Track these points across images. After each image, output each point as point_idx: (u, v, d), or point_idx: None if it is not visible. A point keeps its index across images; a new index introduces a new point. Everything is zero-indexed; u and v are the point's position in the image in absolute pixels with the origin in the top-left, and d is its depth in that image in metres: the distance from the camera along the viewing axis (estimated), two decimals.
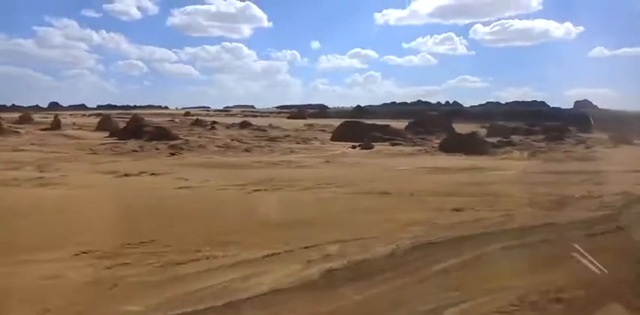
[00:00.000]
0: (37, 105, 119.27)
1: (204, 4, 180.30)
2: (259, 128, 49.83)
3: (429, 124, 48.01)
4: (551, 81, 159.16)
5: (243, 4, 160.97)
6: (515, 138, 44.25)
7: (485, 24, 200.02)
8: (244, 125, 51.84)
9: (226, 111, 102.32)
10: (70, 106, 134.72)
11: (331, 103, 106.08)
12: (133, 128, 33.81)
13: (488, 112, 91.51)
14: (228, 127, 50.95)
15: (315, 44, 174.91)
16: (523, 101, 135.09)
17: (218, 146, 29.70)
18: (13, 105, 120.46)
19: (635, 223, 11.04)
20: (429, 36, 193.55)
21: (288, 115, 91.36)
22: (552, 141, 40.71)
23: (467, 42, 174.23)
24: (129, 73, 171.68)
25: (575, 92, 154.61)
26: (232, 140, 35.22)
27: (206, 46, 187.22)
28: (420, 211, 11.50)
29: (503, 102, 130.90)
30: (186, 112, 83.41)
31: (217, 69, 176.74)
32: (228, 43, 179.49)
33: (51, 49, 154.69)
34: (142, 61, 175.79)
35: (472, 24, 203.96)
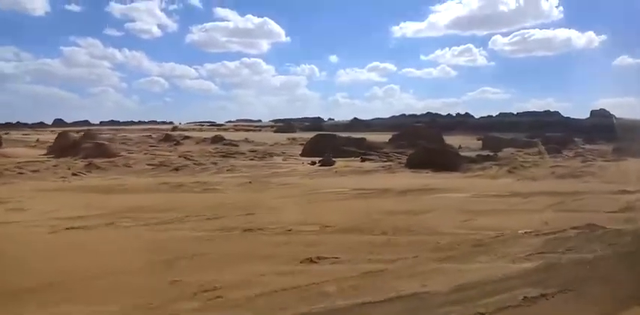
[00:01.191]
0: (41, 122, 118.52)
1: (222, 20, 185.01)
2: (230, 143, 46.56)
3: (413, 136, 44.06)
4: (574, 91, 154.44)
5: (260, 19, 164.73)
6: (507, 151, 40.16)
7: (504, 34, 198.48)
8: (216, 140, 48.66)
9: (219, 126, 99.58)
10: (77, 121, 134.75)
11: (349, 117, 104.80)
12: (68, 145, 30.78)
13: (494, 123, 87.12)
14: (198, 142, 47.79)
15: (333, 58, 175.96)
16: (535, 111, 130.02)
17: (150, 164, 26.35)
18: (18, 122, 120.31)
19: (577, 285, 7.15)
20: (447, 48, 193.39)
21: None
22: (548, 153, 36.45)
23: (486, 53, 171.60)
24: (150, 89, 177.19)
25: (600, 102, 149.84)
26: (179, 157, 31.90)
27: (225, 62, 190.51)
28: (249, 263, 7.84)
29: (516, 112, 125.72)
30: (174, 127, 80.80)
31: (236, 84, 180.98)
32: (247, 59, 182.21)
33: (76, 67, 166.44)
34: (162, 78, 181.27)
35: (491, 35, 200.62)
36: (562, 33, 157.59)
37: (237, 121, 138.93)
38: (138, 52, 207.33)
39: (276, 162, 30.91)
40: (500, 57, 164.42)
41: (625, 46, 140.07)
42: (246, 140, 50.43)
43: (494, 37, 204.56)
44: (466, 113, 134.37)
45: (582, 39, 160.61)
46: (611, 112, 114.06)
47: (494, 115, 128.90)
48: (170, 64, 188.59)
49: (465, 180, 21.87)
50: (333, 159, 34.94)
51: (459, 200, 16.04)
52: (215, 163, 28.88)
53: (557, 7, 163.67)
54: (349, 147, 37.69)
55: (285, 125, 79.25)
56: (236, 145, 45.97)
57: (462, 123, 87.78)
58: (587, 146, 47.18)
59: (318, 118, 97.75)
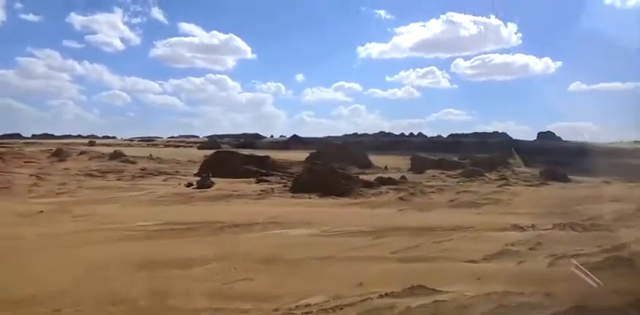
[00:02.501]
0: None
1: (187, 35, 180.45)
2: (127, 160, 41.51)
3: (331, 155, 40.39)
4: (532, 114, 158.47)
5: (226, 36, 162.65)
6: (429, 173, 37.06)
7: (466, 58, 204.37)
8: (114, 156, 43.50)
9: (150, 141, 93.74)
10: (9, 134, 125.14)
11: (316, 135, 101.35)
12: None
13: (439, 144, 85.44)
14: (92, 158, 42.48)
15: (300, 76, 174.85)
16: (484, 133, 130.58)
17: None
18: None
19: None
20: (411, 69, 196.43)
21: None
22: (467, 177, 33.39)
23: (449, 75, 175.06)
24: (113, 103, 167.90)
25: (557, 126, 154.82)
26: (31, 175, 26.79)
27: (190, 78, 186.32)
28: None
29: (462, 133, 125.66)
30: (90, 141, 74.59)
31: (202, 100, 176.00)
32: (212, 75, 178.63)
33: (33, 79, 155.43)
34: (125, 92, 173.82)
35: (453, 58, 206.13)
36: (520, 58, 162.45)
37: (180, 137, 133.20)
38: (99, 65, 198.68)
39: (147, 183, 26.25)
40: (462, 80, 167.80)
41: (579, 73, 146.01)
42: (150, 157, 45.41)
43: (456, 61, 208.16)
44: (419, 133, 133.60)
45: (539, 65, 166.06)
46: (559, 135, 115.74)
47: (444, 135, 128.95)
48: (132, 79, 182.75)
49: (337, 209, 17.99)
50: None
51: (291, 240, 12.06)
52: (64, 184, 24.03)
53: (516, 33, 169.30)
54: (250, 166, 33.50)
55: (210, 141, 74.25)
56: (134, 163, 41.03)
57: (407, 142, 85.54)
58: (521, 169, 44.76)
59: (257, 134, 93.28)
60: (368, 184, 23.37)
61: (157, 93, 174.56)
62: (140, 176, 29.97)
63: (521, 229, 14.10)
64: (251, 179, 30.22)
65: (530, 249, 11.41)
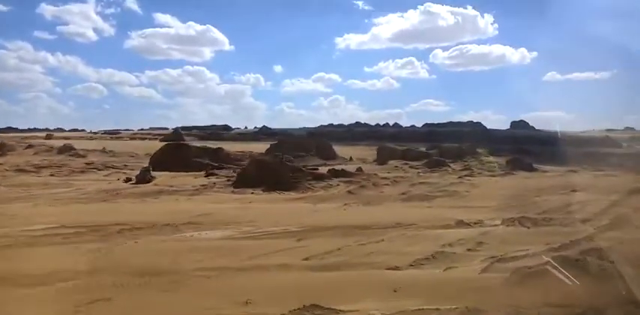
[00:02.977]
0: None
1: (163, 26, 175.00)
2: (76, 153, 39.25)
3: (292, 147, 38.83)
4: (509, 104, 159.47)
5: (203, 27, 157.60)
6: (392, 163, 35.83)
7: (444, 49, 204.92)
8: (63, 150, 41.10)
9: (113, 133, 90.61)
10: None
11: (295, 126, 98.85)
12: None
13: (409, 134, 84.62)
14: (38, 152, 40.07)
15: (278, 68, 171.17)
16: (459, 122, 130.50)
17: None
18: None
19: None
20: (390, 60, 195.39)
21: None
22: (430, 167, 32.23)
23: (427, 66, 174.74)
24: (88, 96, 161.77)
25: (533, 115, 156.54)
26: None
27: (167, 70, 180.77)
28: None
29: (437, 122, 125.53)
30: (48, 134, 71.29)
31: (180, 92, 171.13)
32: (190, 67, 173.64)
33: (5, 72, 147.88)
34: (101, 84, 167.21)
35: (432, 48, 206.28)
36: (497, 49, 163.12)
37: (150, 129, 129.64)
38: (73, 57, 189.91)
39: (82, 179, 24.31)
40: (440, 70, 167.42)
41: (554, 63, 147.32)
42: (103, 150, 43.14)
43: (434, 51, 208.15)
44: (395, 123, 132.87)
45: (516, 55, 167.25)
46: (532, 124, 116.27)
47: (419, 125, 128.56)
48: (108, 71, 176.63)
49: (276, 206, 16.47)
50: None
51: (198, 244, 10.55)
52: None
53: (492, 24, 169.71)
54: (202, 159, 31.72)
55: (172, 134, 71.85)
56: (83, 156, 38.83)
57: (380, 133, 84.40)
58: (490, 158, 43.90)
59: (225, 126, 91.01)
60: (319, 177, 21.88)
61: (134, 85, 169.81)
62: (80, 171, 27.96)
63: (467, 225, 12.82)
64: (201, 173, 28.49)
65: (469, 250, 10.09)
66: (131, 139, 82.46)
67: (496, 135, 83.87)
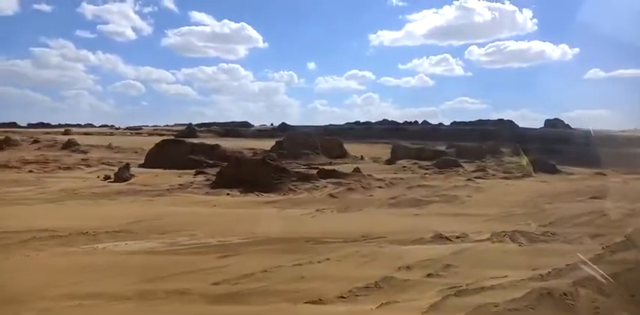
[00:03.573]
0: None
1: (198, 24, 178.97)
2: (77, 149, 38.58)
3: (299, 144, 37.01)
4: (548, 102, 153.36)
5: (238, 25, 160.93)
6: (401, 162, 33.60)
7: (480, 45, 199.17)
8: (67, 146, 40.57)
9: (135, 129, 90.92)
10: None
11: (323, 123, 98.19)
12: None
13: (430, 132, 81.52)
14: (41, 147, 39.64)
15: (312, 65, 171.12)
16: (488, 120, 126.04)
17: None
18: None
19: None
20: (425, 57, 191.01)
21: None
22: (440, 168, 29.85)
23: (463, 63, 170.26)
24: (127, 93, 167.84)
25: (574, 114, 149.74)
26: None
27: (202, 67, 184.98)
28: None
29: (468, 121, 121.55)
30: (66, 130, 71.69)
31: (215, 89, 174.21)
32: (224, 64, 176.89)
33: (48, 69, 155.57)
34: (139, 82, 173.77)
35: (467, 45, 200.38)
36: (536, 45, 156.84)
37: (175, 125, 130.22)
38: (112, 55, 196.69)
39: (62, 176, 23.21)
40: (476, 67, 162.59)
41: (597, 60, 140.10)
42: (109, 146, 42.44)
43: (470, 48, 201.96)
44: (424, 121, 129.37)
45: (556, 52, 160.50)
46: (568, 123, 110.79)
47: (446, 123, 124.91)
48: (146, 68, 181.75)
49: (240, 211, 14.68)
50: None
51: (95, 261, 8.81)
52: None
53: (531, 19, 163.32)
54: (197, 156, 30.28)
55: (186, 130, 71.09)
56: (84, 152, 38.09)
57: (403, 131, 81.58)
58: (510, 158, 40.98)
59: (245, 122, 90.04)
60: (304, 178, 19.97)
61: (170, 82, 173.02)
62: (67, 168, 26.89)
63: (446, 239, 10.70)
64: (192, 171, 27.03)
65: (428, 275, 8.05)
66: (150, 135, 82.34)
67: (526, 134, 79.88)
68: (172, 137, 39.60)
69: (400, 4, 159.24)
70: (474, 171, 28.67)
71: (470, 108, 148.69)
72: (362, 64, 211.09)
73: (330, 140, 41.05)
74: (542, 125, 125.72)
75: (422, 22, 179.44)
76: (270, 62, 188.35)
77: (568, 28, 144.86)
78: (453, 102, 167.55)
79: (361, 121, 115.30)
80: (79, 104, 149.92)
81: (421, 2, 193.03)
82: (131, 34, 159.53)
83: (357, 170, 23.42)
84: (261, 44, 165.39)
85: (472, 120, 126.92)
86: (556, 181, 25.97)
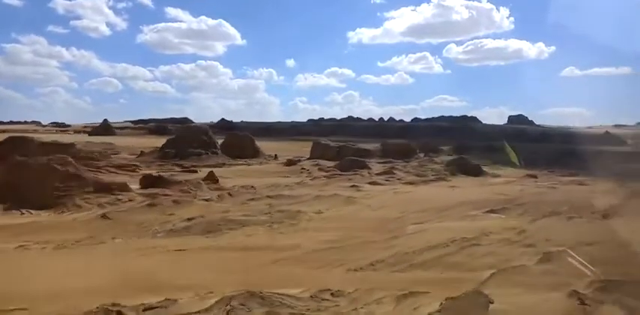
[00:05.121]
0: None
1: (175, 21, 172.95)
2: None
3: (195, 142, 31.76)
4: (525, 100, 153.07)
5: (215, 21, 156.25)
6: (307, 163, 28.76)
7: (458, 43, 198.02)
8: None
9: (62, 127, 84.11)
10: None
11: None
12: None
13: (382, 129, 77.22)
14: None
15: (291, 62, 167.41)
16: (451, 116, 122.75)
17: None
18: None
19: None
20: (404, 55, 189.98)
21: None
22: (344, 170, 25.05)
23: (442, 61, 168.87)
24: (104, 90, 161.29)
25: (551, 111, 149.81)
26: None
27: (180, 64, 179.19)
28: None
29: (425, 118, 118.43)
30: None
31: (193, 87, 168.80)
32: (203, 61, 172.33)
33: (20, 65, 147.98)
34: (116, 79, 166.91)
35: (446, 43, 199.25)
36: (513, 43, 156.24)
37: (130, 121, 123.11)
38: (87, 52, 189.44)
39: None
40: (454, 65, 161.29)
41: (573, 58, 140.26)
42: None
43: (448, 46, 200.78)
44: (390, 118, 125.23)
45: (533, 50, 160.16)
46: (532, 119, 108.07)
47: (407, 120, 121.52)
48: (122, 65, 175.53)
49: None
50: None
51: None
52: None
53: (508, 17, 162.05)
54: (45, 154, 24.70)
55: (100, 127, 65.13)
56: None
57: (347, 127, 77.00)
58: (444, 158, 36.51)
59: (185, 118, 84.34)
60: (105, 189, 14.78)
61: (148, 79, 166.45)
62: None
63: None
64: None
65: None
66: (76, 132, 75.80)
67: (482, 131, 76.26)
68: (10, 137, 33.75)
69: (378, 1, 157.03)
70: (379, 174, 23.90)
71: (449, 105, 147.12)
72: (341, 62, 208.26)
73: (238, 137, 35.87)
74: (506, 121, 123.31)
75: (400, 20, 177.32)
76: (248, 59, 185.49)
77: (544, 27, 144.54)
78: (432, 100, 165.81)
79: (325, 117, 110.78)
80: (55, 102, 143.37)
81: (399, 0, 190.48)
82: (105, 30, 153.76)
83: (210, 176, 18.33)
84: (239, 41, 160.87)
85: (434, 116, 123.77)
86: (470, 186, 21.39)
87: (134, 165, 26.00)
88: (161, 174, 18.60)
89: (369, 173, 24.12)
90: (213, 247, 9.93)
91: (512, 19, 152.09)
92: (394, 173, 24.05)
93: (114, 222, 11.88)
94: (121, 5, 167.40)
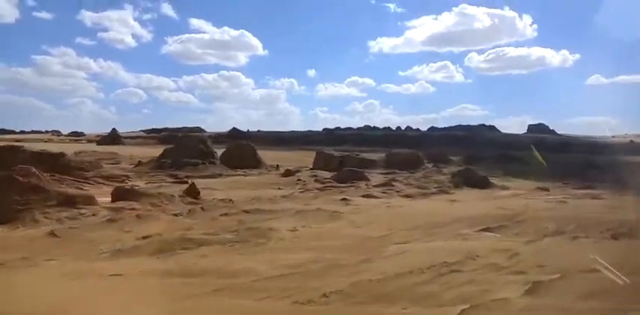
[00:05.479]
0: None
1: (198, 32, 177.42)
2: None
3: (188, 153, 30.94)
4: (549, 109, 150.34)
5: (237, 32, 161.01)
6: (306, 174, 27.68)
7: (479, 52, 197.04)
8: None
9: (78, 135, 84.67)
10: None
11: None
12: None
13: (395, 138, 75.68)
14: None
15: (312, 72, 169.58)
16: (468, 125, 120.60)
17: None
18: None
19: None
20: (424, 64, 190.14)
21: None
22: (342, 181, 23.86)
23: (463, 70, 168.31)
24: (129, 101, 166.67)
25: (578, 120, 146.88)
26: None
27: (203, 74, 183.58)
28: None
29: (445, 126, 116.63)
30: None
31: (216, 97, 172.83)
32: (225, 72, 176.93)
33: (50, 77, 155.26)
34: (140, 89, 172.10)
35: (467, 52, 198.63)
36: (536, 51, 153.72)
37: (140, 131, 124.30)
38: (113, 63, 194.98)
39: None
40: (476, 74, 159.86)
41: (598, 66, 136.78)
42: None
43: (469, 55, 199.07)
44: (407, 127, 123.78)
45: (557, 58, 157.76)
46: (553, 128, 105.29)
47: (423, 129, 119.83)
48: (147, 76, 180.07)
49: None
50: None
51: None
52: None
53: (531, 25, 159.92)
54: (36, 166, 24.11)
55: (109, 136, 65.06)
56: None
57: (361, 135, 75.73)
58: (453, 169, 35.00)
59: (198, 127, 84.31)
60: (69, 202, 13.88)
61: (172, 90, 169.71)
62: None
63: None
64: None
65: None
66: (89, 141, 76.28)
67: (498, 140, 74.23)
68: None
69: (399, 10, 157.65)
70: (377, 186, 22.62)
71: (471, 114, 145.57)
72: (362, 71, 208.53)
73: (239, 147, 34.95)
74: (527, 130, 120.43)
75: (421, 29, 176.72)
76: (270, 69, 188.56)
77: (568, 34, 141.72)
78: (453, 109, 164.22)
79: (341, 127, 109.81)
80: (81, 112, 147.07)
81: (420, 8, 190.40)
82: (131, 42, 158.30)
83: (190, 188, 17.34)
84: (261, 51, 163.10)
85: (452, 125, 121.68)
86: (473, 199, 19.95)
87: (124, 176, 25.23)
88: (137, 186, 17.65)
89: (366, 185, 22.85)
90: (157, 271, 8.82)
91: (535, 26, 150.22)
92: (393, 185, 22.73)
93: (62, 240, 10.89)
94: (146, 17, 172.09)
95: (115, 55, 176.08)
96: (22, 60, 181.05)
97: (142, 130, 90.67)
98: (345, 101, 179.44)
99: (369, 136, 77.94)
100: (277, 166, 34.88)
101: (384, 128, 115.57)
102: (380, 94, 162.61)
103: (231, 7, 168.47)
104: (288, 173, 27.86)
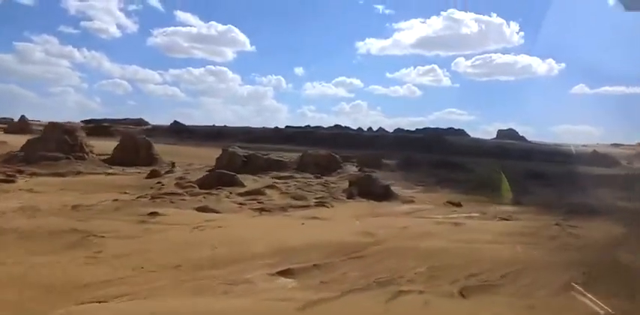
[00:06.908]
0: None
1: (185, 25, 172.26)
2: None
3: (50, 145, 26.17)
4: (534, 116, 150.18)
5: (224, 27, 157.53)
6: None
7: (467, 57, 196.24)
8: None
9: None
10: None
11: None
12: None
13: (340, 139, 71.81)
14: None
15: (299, 70, 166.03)
16: (436, 128, 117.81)
17: None
18: None
19: None
20: (412, 67, 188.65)
21: None
22: (205, 187, 19.41)
23: (450, 74, 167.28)
24: (114, 92, 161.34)
25: (561, 128, 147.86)
26: None
27: (190, 68, 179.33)
28: None
29: (414, 129, 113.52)
30: None
31: (202, 91, 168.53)
32: (212, 67, 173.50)
33: (32, 64, 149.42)
34: (126, 81, 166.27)
35: (454, 56, 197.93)
36: (523, 59, 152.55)
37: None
38: (97, 53, 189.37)
39: None
40: (463, 79, 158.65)
41: (583, 76, 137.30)
42: None
43: (457, 59, 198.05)
44: (359, 128, 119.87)
45: (542, 66, 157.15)
46: (521, 135, 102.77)
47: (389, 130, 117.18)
48: (133, 67, 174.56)
49: None
50: None
51: None
52: None
53: (518, 32, 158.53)
54: None
55: (17, 124, 59.61)
56: None
57: (309, 133, 71.49)
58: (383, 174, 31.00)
59: (140, 119, 79.23)
60: None
61: (158, 83, 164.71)
62: None
63: None
64: None
65: None
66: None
67: (462, 144, 70.80)
68: None
69: (387, 11, 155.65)
70: (244, 194, 18.23)
71: (458, 119, 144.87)
72: (350, 72, 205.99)
73: (133, 141, 30.28)
74: (501, 136, 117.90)
75: (410, 32, 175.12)
76: (257, 66, 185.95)
77: (554, 44, 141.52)
78: (441, 112, 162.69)
79: (311, 125, 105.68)
80: (66, 102, 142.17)
81: (409, 11, 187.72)
82: (116, 32, 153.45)
83: None
84: (248, 47, 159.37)
85: (419, 128, 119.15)
86: (346, 216, 15.71)
87: None
88: None
89: (230, 193, 18.44)
90: None
91: (522, 34, 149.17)
92: (265, 194, 18.40)
93: None
94: (131, 7, 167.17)
95: (99, 44, 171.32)
96: (2, 46, 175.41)
97: (82, 121, 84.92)
98: (333, 101, 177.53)
99: (318, 135, 73.74)
100: (173, 163, 30.33)
101: (357, 129, 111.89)
102: (367, 95, 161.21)
103: (217, 2, 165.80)
104: (153, 174, 23.34)
